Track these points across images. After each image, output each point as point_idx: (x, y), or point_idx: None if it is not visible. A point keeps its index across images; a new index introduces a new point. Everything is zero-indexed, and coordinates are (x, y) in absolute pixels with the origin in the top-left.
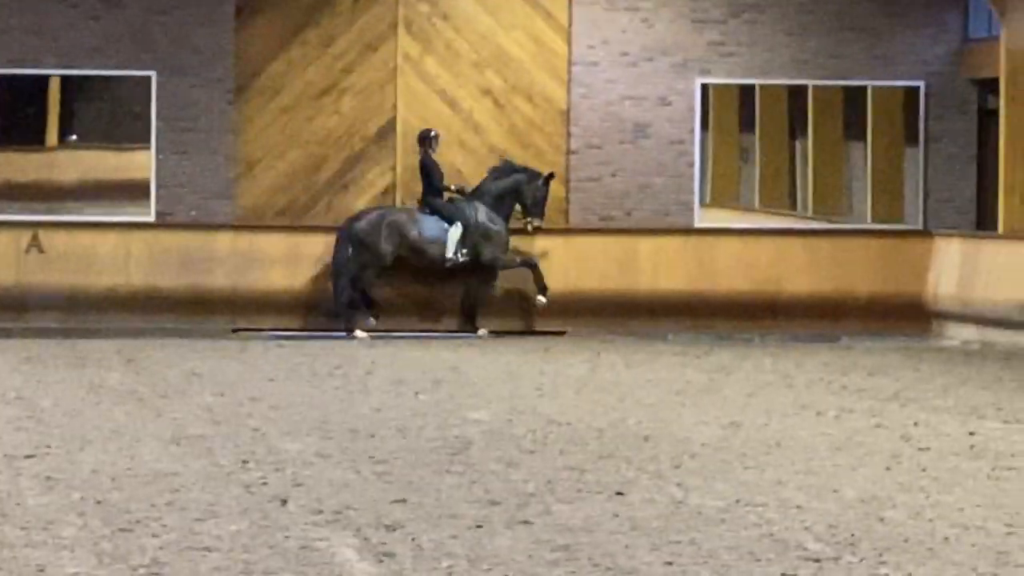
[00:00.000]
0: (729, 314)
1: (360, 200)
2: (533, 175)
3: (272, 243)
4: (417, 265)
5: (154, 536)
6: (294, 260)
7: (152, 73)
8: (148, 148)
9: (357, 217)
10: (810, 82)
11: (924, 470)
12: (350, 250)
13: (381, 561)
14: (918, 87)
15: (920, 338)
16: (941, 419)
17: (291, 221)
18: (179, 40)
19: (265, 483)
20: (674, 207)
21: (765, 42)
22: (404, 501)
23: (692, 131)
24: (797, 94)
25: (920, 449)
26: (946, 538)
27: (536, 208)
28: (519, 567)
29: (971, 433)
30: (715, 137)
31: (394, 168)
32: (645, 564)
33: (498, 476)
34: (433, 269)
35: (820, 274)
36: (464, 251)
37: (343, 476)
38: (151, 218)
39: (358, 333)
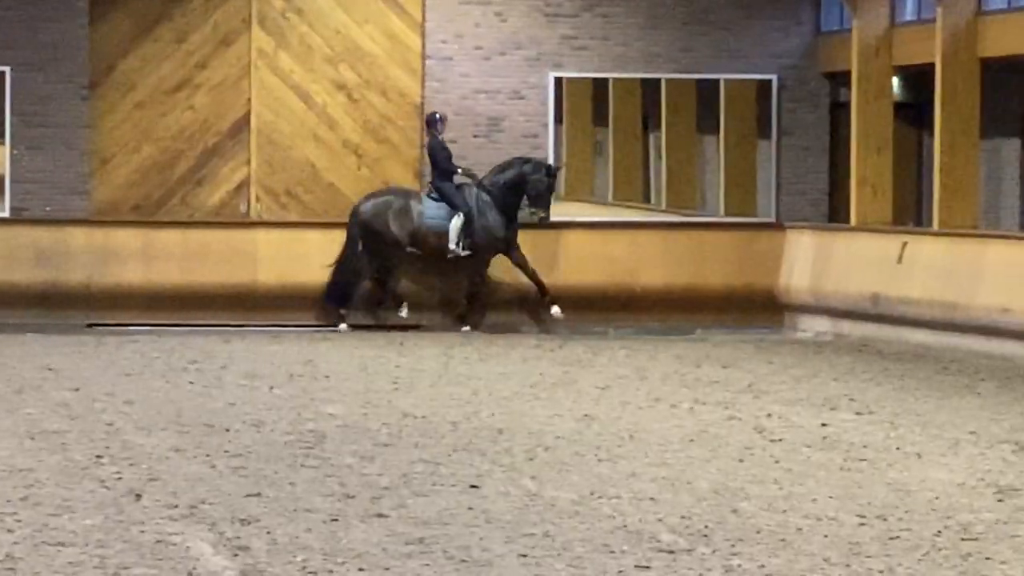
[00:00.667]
0: (583, 307)
1: (215, 195)
2: (536, 167)
3: (127, 238)
4: (420, 252)
5: (8, 531)
6: (149, 255)
7: (6, 69)
8: (2, 143)
9: (362, 202)
10: (663, 76)
11: (777, 462)
12: (359, 241)
13: (236, 555)
14: (770, 80)
15: (773, 330)
16: (794, 411)
17: (146, 216)
18: (32, 35)
19: (120, 478)
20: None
21: (618, 36)
22: (259, 495)
23: (546, 125)
24: (650, 88)
25: (773, 441)
26: (799, 529)
27: (540, 200)
28: (374, 560)
29: (824, 424)
30: (569, 131)
31: (248, 163)
32: (499, 556)
33: (353, 470)
34: (435, 259)
35: (674, 267)
36: (465, 242)
37: (198, 470)
38: (6, 213)
39: (341, 326)
